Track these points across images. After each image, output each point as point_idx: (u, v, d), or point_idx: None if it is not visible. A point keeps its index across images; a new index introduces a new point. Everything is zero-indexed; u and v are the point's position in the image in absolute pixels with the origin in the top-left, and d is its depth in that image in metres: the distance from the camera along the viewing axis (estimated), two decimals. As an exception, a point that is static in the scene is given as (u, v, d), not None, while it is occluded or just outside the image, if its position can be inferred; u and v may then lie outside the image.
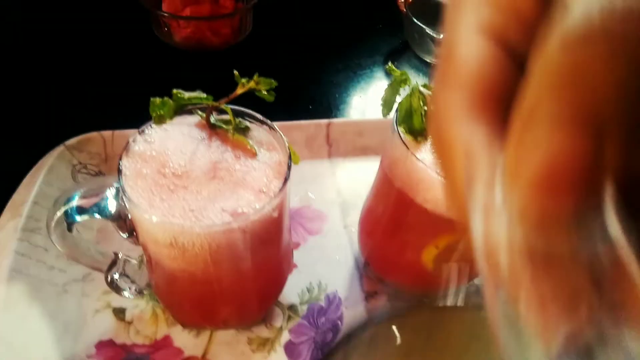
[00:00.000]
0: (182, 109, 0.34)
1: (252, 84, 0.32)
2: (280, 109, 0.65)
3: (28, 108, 0.64)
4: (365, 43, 0.81)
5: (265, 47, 0.78)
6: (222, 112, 0.36)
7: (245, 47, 0.76)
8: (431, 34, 0.72)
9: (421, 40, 0.75)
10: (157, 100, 0.33)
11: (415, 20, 0.73)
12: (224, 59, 0.74)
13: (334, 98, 0.71)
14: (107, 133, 0.54)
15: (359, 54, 0.79)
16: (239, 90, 0.33)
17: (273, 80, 0.33)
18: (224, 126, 0.35)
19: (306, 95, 0.71)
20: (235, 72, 0.32)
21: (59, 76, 0.69)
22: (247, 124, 0.36)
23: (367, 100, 0.71)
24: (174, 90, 0.33)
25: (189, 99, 0.33)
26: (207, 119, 0.35)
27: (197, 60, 0.74)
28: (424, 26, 0.72)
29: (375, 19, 0.86)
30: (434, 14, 0.78)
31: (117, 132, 0.53)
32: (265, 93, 0.32)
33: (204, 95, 0.33)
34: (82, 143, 0.53)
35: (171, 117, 0.34)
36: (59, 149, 0.51)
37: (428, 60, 0.77)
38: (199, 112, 0.36)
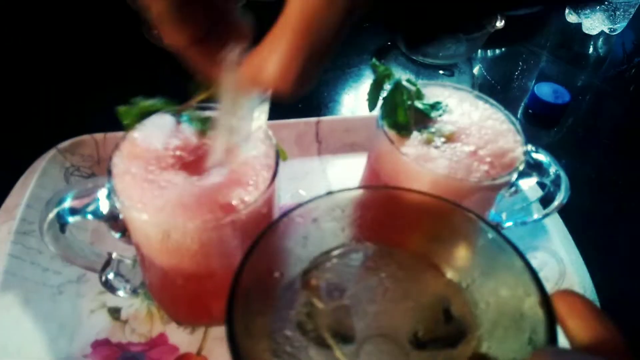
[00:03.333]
0: (147, 115, 0.35)
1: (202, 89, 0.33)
2: (270, 107, 0.66)
3: (20, 112, 0.64)
4: (352, 42, 0.82)
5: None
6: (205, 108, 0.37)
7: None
8: (417, 31, 0.73)
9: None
10: (121, 109, 0.34)
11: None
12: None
13: (323, 96, 0.72)
14: (99, 135, 0.54)
15: (346, 53, 0.80)
16: (201, 96, 0.34)
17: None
18: (199, 127, 0.36)
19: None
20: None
21: (51, 80, 0.69)
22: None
23: (356, 97, 0.72)
24: (133, 100, 0.34)
25: (150, 106, 0.34)
26: (178, 122, 0.36)
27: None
28: (409, 24, 0.73)
29: (362, 18, 0.87)
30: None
31: (110, 135, 0.54)
32: None
33: (162, 101, 0.34)
34: (74, 146, 0.53)
35: (135, 125, 0.35)
36: (52, 152, 0.52)
37: (414, 58, 0.78)
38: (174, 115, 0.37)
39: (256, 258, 0.25)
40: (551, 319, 0.21)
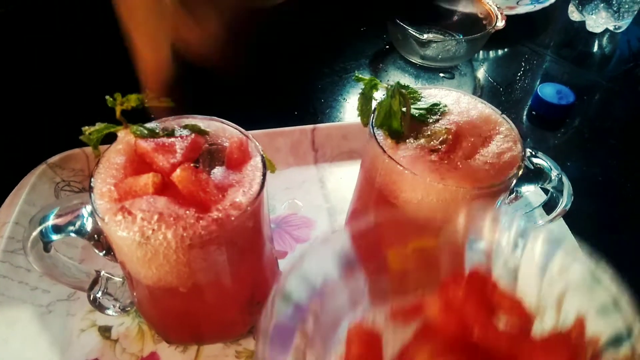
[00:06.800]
0: (106, 136, 0.35)
1: (117, 104, 0.34)
2: (266, 115, 0.65)
3: (8, 127, 0.64)
4: (349, 46, 0.81)
5: (250, 55, 0.78)
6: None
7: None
8: (414, 34, 0.72)
9: (405, 41, 0.75)
10: (84, 137, 0.35)
11: (399, 22, 0.72)
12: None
13: (320, 103, 0.70)
14: (89, 149, 0.53)
15: (344, 58, 0.78)
16: (118, 110, 0.34)
17: (140, 95, 0.34)
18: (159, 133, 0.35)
19: (292, 101, 0.70)
20: (107, 97, 0.33)
21: (39, 93, 0.68)
22: (202, 126, 0.36)
23: (354, 103, 0.71)
24: (84, 128, 0.35)
25: (100, 130, 0.34)
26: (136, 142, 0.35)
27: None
28: (407, 27, 0.72)
29: (359, 22, 0.86)
30: (416, 15, 0.78)
31: (100, 148, 0.53)
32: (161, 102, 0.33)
33: (104, 124, 0.35)
34: (64, 160, 0.52)
35: (99, 149, 0.35)
36: (41, 167, 0.51)
37: (412, 61, 0.77)
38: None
39: None
40: None
